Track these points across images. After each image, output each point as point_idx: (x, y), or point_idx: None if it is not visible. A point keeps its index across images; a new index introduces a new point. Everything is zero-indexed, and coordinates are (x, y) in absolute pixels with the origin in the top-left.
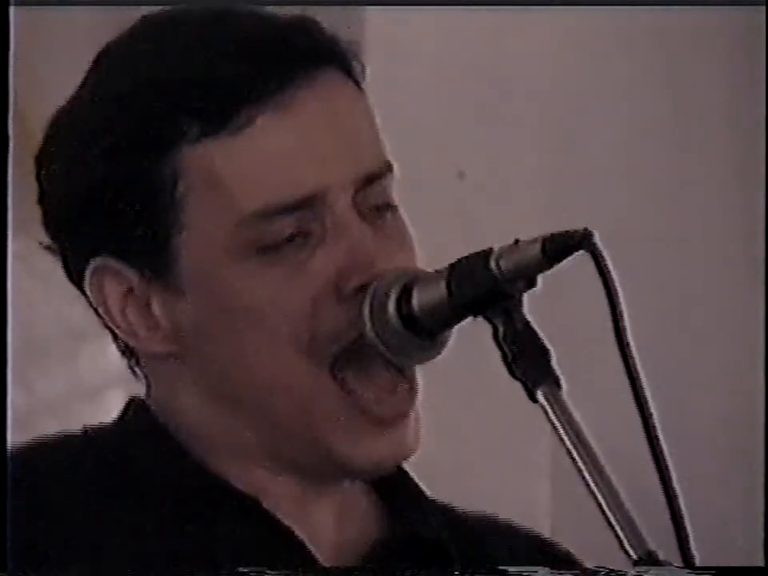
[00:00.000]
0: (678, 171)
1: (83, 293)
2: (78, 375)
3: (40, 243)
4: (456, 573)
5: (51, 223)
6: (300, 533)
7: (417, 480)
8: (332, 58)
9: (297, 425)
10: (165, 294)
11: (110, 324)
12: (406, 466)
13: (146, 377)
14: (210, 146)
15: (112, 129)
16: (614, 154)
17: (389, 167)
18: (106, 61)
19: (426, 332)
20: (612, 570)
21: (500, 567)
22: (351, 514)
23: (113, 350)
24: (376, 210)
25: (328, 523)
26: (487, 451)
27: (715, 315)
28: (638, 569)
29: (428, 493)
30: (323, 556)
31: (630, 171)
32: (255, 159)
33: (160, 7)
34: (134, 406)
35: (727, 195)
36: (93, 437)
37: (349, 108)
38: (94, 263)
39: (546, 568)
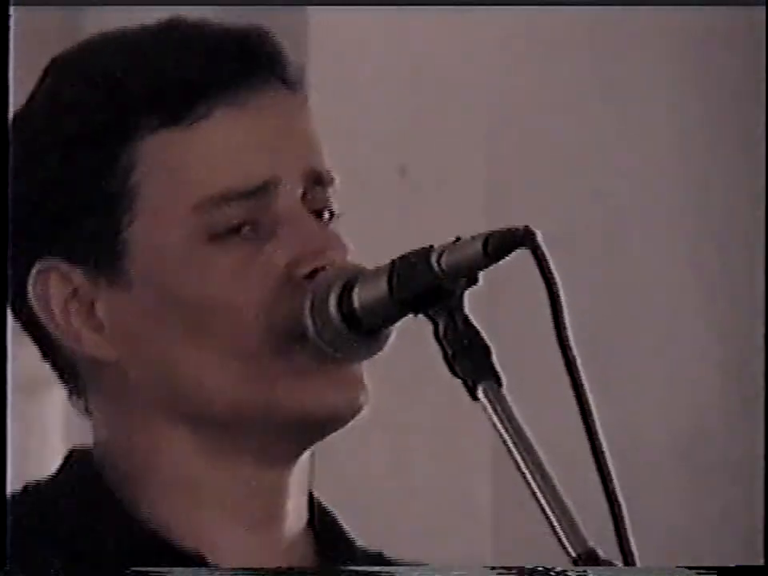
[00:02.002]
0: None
1: (20, 307)
2: (17, 369)
3: None
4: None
5: None
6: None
7: (347, 529)
8: (282, 72)
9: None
10: (111, 292)
11: (51, 328)
12: (339, 518)
13: (88, 410)
14: (167, 136)
15: (69, 124)
16: (559, 153)
17: (332, 178)
18: (60, 67)
19: (366, 329)
20: (550, 569)
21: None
22: (290, 551)
23: None
24: (321, 213)
25: (272, 558)
26: (428, 449)
27: (660, 313)
28: (578, 569)
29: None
30: None
31: (575, 170)
32: (210, 149)
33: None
34: (73, 460)
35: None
36: (31, 494)
37: (299, 115)
38: (39, 265)
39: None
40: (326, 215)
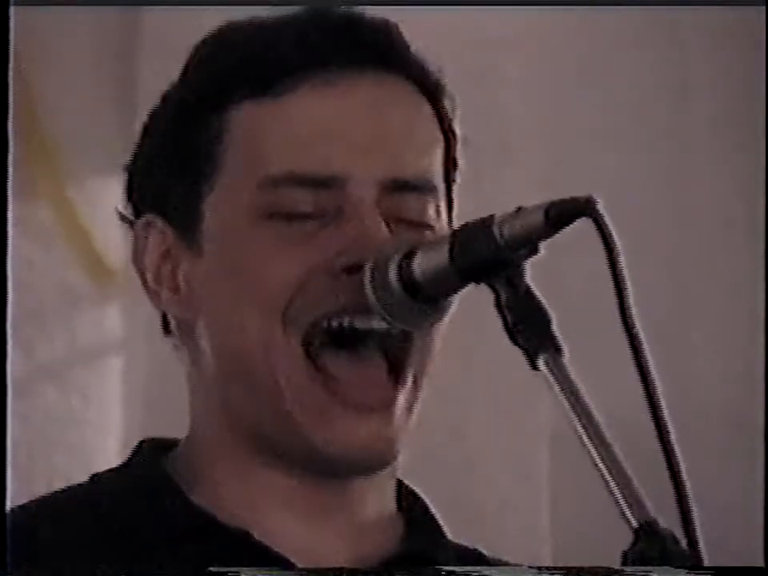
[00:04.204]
0: (680, 142)
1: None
2: (77, 340)
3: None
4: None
5: (127, 182)
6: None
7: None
8: (403, 67)
9: (273, 402)
10: (188, 256)
11: (142, 282)
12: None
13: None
14: (252, 107)
15: (180, 91)
16: (617, 121)
17: (430, 187)
18: (196, 46)
19: (427, 298)
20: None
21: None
22: (366, 531)
23: (111, 314)
24: (408, 224)
25: (336, 545)
26: (487, 418)
27: (716, 283)
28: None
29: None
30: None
31: (633, 138)
32: (289, 126)
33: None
34: (142, 450)
35: (729, 169)
36: (96, 484)
37: (403, 115)
38: (143, 219)
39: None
40: (419, 228)
